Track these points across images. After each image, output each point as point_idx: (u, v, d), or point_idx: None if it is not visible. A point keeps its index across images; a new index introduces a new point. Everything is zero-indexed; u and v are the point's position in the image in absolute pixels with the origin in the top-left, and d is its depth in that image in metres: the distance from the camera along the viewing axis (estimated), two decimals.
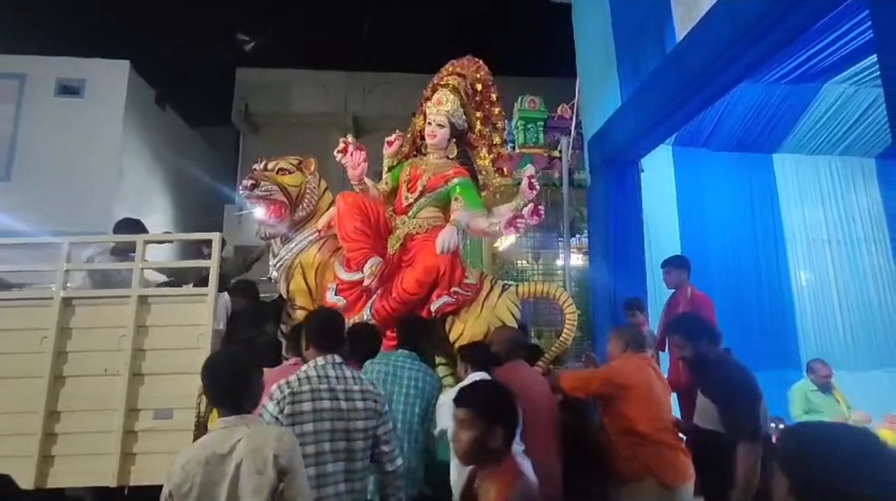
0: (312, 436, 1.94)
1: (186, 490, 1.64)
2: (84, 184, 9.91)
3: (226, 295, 3.72)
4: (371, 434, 2.07)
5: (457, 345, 3.33)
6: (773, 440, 4.53)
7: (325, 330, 2.21)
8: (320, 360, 2.10)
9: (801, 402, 4.74)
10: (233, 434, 1.71)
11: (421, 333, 3.00)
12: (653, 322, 4.86)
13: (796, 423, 1.16)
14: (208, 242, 3.41)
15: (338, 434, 2.00)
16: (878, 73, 2.70)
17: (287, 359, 2.89)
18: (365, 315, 3.39)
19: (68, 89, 10.46)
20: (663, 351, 4.35)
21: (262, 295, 4.30)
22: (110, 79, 10.61)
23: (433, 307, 3.37)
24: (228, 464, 1.66)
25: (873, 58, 4.24)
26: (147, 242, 3.46)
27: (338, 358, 2.13)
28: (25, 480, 2.88)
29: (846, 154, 6.48)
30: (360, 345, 2.74)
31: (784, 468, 1.06)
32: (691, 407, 3.11)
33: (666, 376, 4.14)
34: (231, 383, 1.79)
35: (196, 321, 3.12)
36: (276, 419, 1.94)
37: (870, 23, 2.93)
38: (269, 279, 3.94)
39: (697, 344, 2.65)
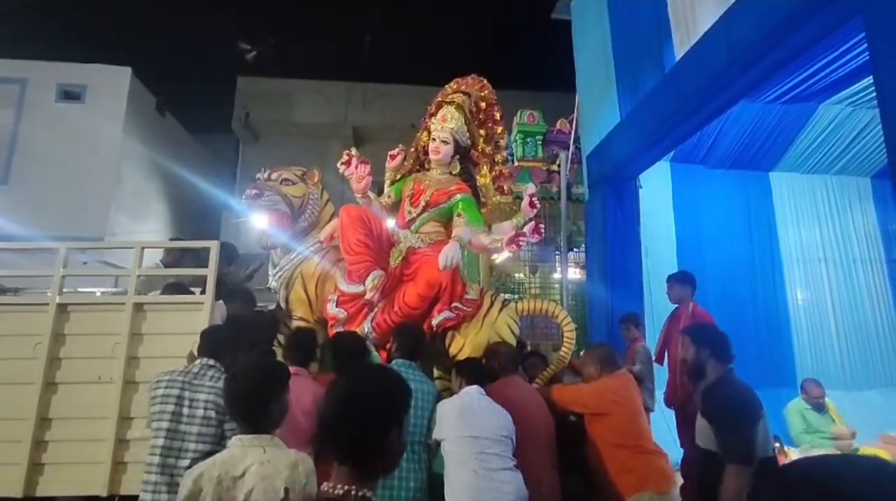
0: None
1: None
2: (83, 190, 9.90)
3: (222, 302, 3.71)
4: None
5: (456, 360, 3.33)
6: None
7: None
8: None
9: (798, 421, 4.73)
10: (247, 455, 1.65)
11: (418, 341, 3.00)
12: (651, 337, 4.86)
13: (803, 458, 1.01)
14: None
15: None
16: (874, 94, 2.74)
17: None
18: (366, 328, 3.38)
19: (69, 94, 10.48)
20: (661, 364, 4.35)
21: (259, 304, 4.28)
22: (111, 85, 10.64)
23: (434, 322, 3.36)
24: (240, 489, 1.61)
25: (869, 79, 4.30)
26: (145, 248, 3.45)
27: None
28: (14, 488, 2.84)
29: (842, 173, 6.55)
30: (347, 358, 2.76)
31: None
32: (686, 423, 3.12)
33: (664, 391, 4.17)
34: (251, 400, 1.72)
35: (193, 329, 3.08)
36: None
37: (866, 45, 2.98)
38: (269, 288, 3.92)
39: (700, 348, 2.61)
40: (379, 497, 2.40)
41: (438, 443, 2.58)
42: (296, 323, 3.61)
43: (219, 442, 2.26)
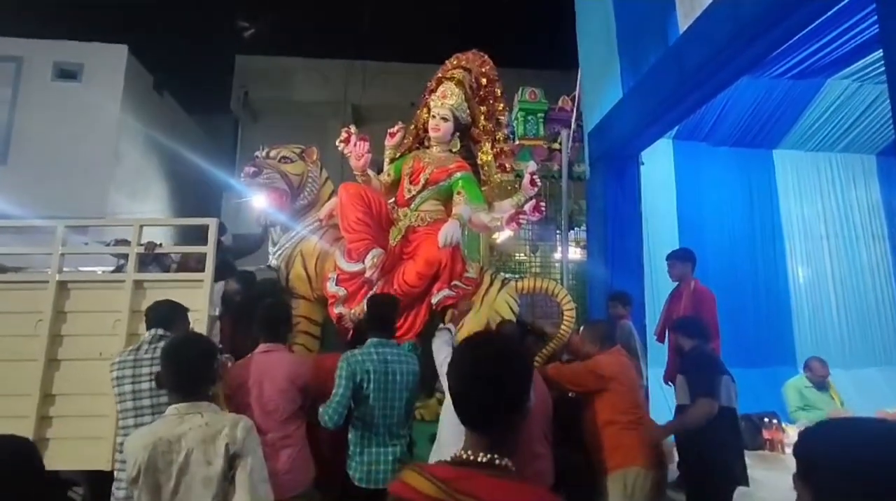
0: None
1: (134, 474, 1.62)
2: (81, 169, 9.84)
3: (220, 282, 3.70)
4: None
5: (456, 339, 3.33)
6: (766, 434, 4.61)
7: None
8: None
9: (795, 398, 4.76)
10: (183, 421, 1.69)
11: (390, 312, 2.85)
12: (652, 314, 4.87)
13: (814, 425, 1.01)
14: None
15: None
16: (883, 68, 2.68)
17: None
18: (365, 305, 3.38)
19: (65, 73, 10.35)
20: (662, 342, 4.37)
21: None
22: (108, 63, 10.50)
23: (434, 300, 3.36)
24: (177, 452, 1.64)
25: (878, 53, 4.22)
26: (143, 226, 3.43)
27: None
28: None
29: (847, 151, 6.47)
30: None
31: (803, 478, 0.91)
32: None
33: (665, 367, 4.20)
34: (188, 368, 1.77)
35: (193, 306, 3.09)
36: None
37: (875, 17, 2.91)
38: (269, 267, 3.92)
39: (675, 332, 3.27)
40: (357, 472, 2.43)
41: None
42: (297, 301, 3.62)
43: None
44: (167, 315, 2.50)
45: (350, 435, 2.56)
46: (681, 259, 4.28)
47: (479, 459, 1.05)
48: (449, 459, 1.09)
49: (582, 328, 3.41)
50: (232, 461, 1.67)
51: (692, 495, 2.98)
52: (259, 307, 2.77)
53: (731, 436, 3.06)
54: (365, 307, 3.32)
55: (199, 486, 1.64)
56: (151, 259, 3.82)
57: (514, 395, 1.09)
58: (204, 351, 1.85)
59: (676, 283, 4.38)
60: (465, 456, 1.06)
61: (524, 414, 1.11)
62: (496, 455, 1.05)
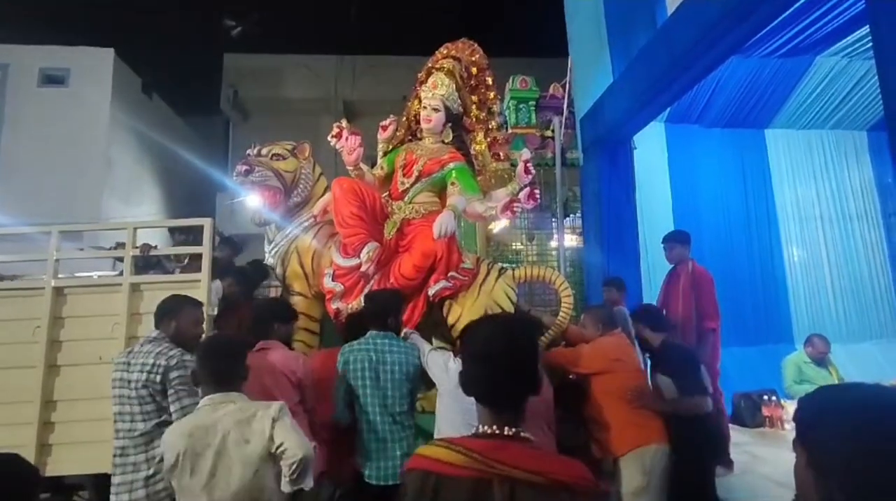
0: None
1: (173, 461, 1.71)
2: (73, 176, 9.79)
3: (217, 281, 3.70)
4: None
5: (455, 329, 3.34)
6: (765, 411, 4.66)
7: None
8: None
9: (793, 372, 4.81)
10: (217, 410, 1.79)
11: (391, 307, 2.87)
12: (650, 298, 4.90)
13: (815, 389, 1.01)
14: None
15: None
16: (871, 44, 2.68)
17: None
18: (363, 300, 3.38)
19: (52, 78, 10.27)
20: None
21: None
22: (95, 67, 10.42)
23: (431, 292, 3.36)
24: (213, 435, 1.73)
25: (866, 29, 4.22)
26: (137, 228, 3.43)
27: None
28: None
29: (838, 128, 6.49)
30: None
31: (800, 438, 0.91)
32: None
33: None
34: (226, 364, 1.90)
35: None
36: None
37: None
38: (265, 265, 3.92)
39: (637, 324, 3.23)
40: (367, 469, 2.46)
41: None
42: (294, 299, 3.62)
43: (160, 416, 2.29)
44: (165, 311, 2.45)
45: (357, 431, 2.57)
46: (679, 241, 4.28)
47: (505, 432, 1.08)
48: (471, 435, 1.11)
49: (583, 314, 3.42)
50: (270, 443, 1.75)
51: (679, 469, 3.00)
52: (254, 305, 2.79)
53: (713, 418, 3.22)
54: (362, 302, 3.35)
55: (238, 466, 1.72)
56: (154, 263, 3.82)
57: (530, 370, 1.14)
58: (235, 348, 1.99)
59: (672, 266, 4.38)
60: (490, 431, 1.08)
61: (537, 389, 1.15)
62: (519, 429, 1.09)
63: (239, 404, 1.83)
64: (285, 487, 1.76)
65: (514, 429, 1.09)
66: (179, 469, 1.70)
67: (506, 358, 1.13)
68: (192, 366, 2.12)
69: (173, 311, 2.43)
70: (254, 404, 1.86)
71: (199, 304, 2.56)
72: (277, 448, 1.75)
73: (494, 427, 1.09)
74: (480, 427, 1.11)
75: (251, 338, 2.69)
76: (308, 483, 1.80)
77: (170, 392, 2.25)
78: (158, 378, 2.23)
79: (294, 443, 1.75)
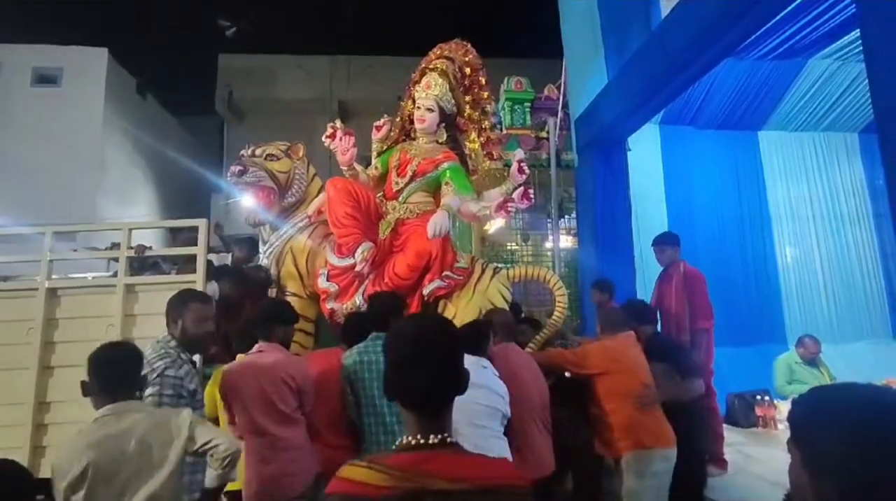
0: None
1: (78, 475, 1.60)
2: (67, 177, 9.74)
3: (214, 282, 3.70)
4: None
5: None
6: (758, 411, 4.70)
7: None
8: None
9: (784, 373, 4.84)
10: (122, 419, 1.73)
11: (391, 311, 2.87)
12: (645, 298, 4.90)
13: (809, 389, 1.01)
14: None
15: None
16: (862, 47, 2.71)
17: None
18: (358, 300, 3.39)
19: (45, 78, 10.23)
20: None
21: None
22: (89, 67, 10.38)
23: (425, 291, 3.37)
24: (126, 443, 1.67)
25: (857, 31, 4.26)
26: (132, 229, 3.42)
27: None
28: None
29: (830, 130, 6.54)
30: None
31: (794, 438, 0.92)
32: None
33: None
34: (124, 372, 1.84)
35: None
36: None
37: None
38: (259, 266, 3.91)
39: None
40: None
41: None
42: (289, 299, 3.62)
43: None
44: (168, 310, 2.31)
45: (364, 434, 2.59)
46: (670, 243, 4.30)
47: (429, 441, 1.05)
48: (394, 448, 1.09)
49: (598, 313, 3.53)
50: (189, 440, 1.75)
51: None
52: (259, 306, 2.77)
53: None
54: (357, 302, 3.36)
55: (158, 470, 1.69)
56: (150, 265, 3.81)
57: (453, 371, 1.11)
58: (130, 356, 1.89)
59: (663, 268, 4.41)
60: (413, 442, 1.06)
61: (462, 389, 1.12)
62: (445, 435, 1.06)
63: (146, 411, 1.82)
64: (212, 481, 1.80)
65: (439, 436, 1.05)
66: (89, 482, 1.61)
67: (428, 360, 1.09)
68: (172, 382, 2.07)
69: (176, 310, 2.28)
70: (162, 410, 1.87)
71: (207, 299, 2.44)
72: (203, 446, 1.77)
73: (419, 436, 1.06)
74: (404, 438, 1.08)
75: (249, 340, 2.67)
76: (233, 476, 1.84)
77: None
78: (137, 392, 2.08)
79: (224, 439, 1.80)
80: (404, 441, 1.07)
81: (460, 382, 1.12)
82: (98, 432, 1.69)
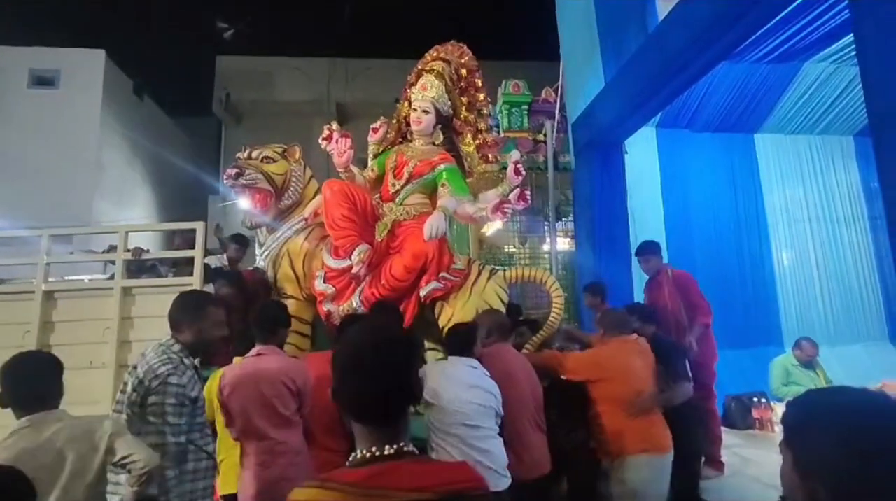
0: None
1: None
2: (64, 179, 9.72)
3: (211, 284, 3.70)
4: None
5: (446, 331, 3.35)
6: (755, 414, 4.73)
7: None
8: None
9: (780, 375, 4.85)
10: (41, 430, 1.71)
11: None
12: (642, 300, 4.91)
13: (803, 393, 1.03)
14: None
15: None
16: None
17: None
18: (354, 302, 3.38)
19: (42, 80, 10.21)
20: None
21: None
22: (86, 69, 10.36)
23: (422, 293, 3.37)
24: (46, 455, 1.66)
25: (852, 35, 4.28)
26: (129, 232, 3.42)
27: None
28: None
29: (826, 133, 6.57)
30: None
31: (787, 440, 0.92)
32: None
33: None
34: (42, 382, 1.81)
35: None
36: None
37: (847, 1, 2.96)
38: (256, 268, 3.91)
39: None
40: None
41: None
42: (286, 301, 3.61)
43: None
44: (184, 313, 2.21)
45: None
46: (654, 252, 4.33)
47: (385, 452, 1.01)
48: (348, 464, 1.05)
49: (598, 318, 3.50)
50: (108, 454, 1.73)
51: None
52: (261, 306, 2.75)
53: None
54: (354, 304, 3.36)
55: (79, 481, 1.68)
56: (148, 267, 3.80)
57: (407, 379, 1.07)
58: (42, 367, 1.86)
59: (649, 277, 4.42)
60: (368, 455, 1.02)
61: (417, 397, 1.10)
62: (402, 444, 1.03)
63: (67, 421, 1.77)
64: (128, 497, 1.77)
65: (395, 446, 1.01)
66: None
67: (379, 369, 1.04)
68: (176, 391, 2.01)
69: (191, 314, 2.20)
70: (83, 419, 1.82)
71: (219, 303, 2.41)
72: (122, 459, 1.74)
73: (374, 448, 1.01)
74: (358, 452, 1.03)
75: (247, 342, 2.65)
76: (152, 489, 1.83)
77: (149, 418, 2.03)
78: (139, 399, 2.02)
79: (143, 455, 1.77)
80: (358, 456, 1.03)
81: (413, 391, 1.08)
82: (14, 447, 1.67)
